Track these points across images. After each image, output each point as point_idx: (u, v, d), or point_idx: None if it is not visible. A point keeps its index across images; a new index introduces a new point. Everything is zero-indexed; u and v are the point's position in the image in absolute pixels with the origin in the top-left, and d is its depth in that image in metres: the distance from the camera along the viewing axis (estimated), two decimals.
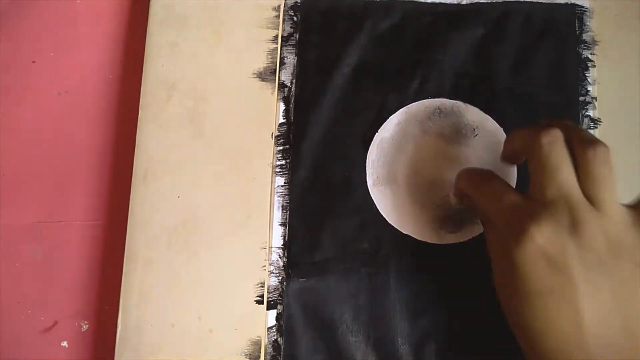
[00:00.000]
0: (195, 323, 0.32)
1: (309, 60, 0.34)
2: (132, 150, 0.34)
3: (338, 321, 0.31)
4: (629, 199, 0.33)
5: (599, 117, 0.33)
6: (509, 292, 0.25)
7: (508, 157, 0.29)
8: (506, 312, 0.26)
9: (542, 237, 0.23)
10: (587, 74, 0.34)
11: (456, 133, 0.33)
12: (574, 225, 0.23)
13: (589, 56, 0.34)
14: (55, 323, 0.34)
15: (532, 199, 0.25)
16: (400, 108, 0.33)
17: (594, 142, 0.25)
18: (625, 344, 0.23)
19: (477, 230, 0.32)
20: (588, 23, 0.34)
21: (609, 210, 0.24)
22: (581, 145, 0.25)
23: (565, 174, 0.24)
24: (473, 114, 0.33)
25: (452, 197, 0.32)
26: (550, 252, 0.23)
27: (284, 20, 0.35)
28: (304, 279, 0.32)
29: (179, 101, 0.34)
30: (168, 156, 0.33)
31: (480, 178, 0.28)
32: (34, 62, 0.37)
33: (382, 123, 0.33)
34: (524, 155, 0.27)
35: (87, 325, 0.34)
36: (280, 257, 0.32)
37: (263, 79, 0.34)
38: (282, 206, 0.33)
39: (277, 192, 0.33)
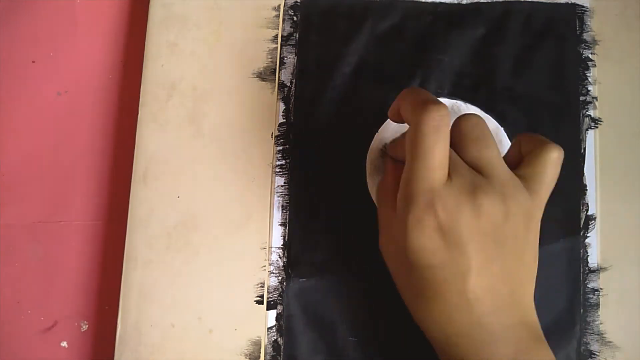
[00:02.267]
0: (195, 323, 0.32)
1: (309, 60, 0.34)
2: (132, 150, 0.34)
3: (338, 321, 0.31)
4: (629, 198, 0.33)
5: (599, 117, 0.33)
6: (400, 265, 0.25)
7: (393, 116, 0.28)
8: (401, 291, 0.26)
9: (441, 213, 0.23)
10: (587, 74, 0.34)
11: None
12: (472, 194, 0.23)
13: (590, 56, 0.34)
14: (55, 323, 0.34)
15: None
16: None
17: (464, 116, 0.25)
18: (512, 308, 0.24)
19: None
20: (588, 23, 0.34)
21: (497, 173, 0.24)
22: (457, 122, 0.25)
23: (440, 155, 0.23)
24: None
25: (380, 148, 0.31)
26: (446, 226, 0.23)
27: (283, 20, 0.35)
28: (304, 279, 0.32)
29: (179, 101, 0.34)
30: (168, 156, 0.33)
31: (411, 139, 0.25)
32: (33, 62, 0.37)
33: (382, 123, 0.33)
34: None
35: (87, 325, 0.34)
36: (280, 257, 0.32)
37: (263, 79, 0.34)
38: (282, 206, 0.33)
39: (277, 192, 0.33)
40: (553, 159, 0.25)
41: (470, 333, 0.23)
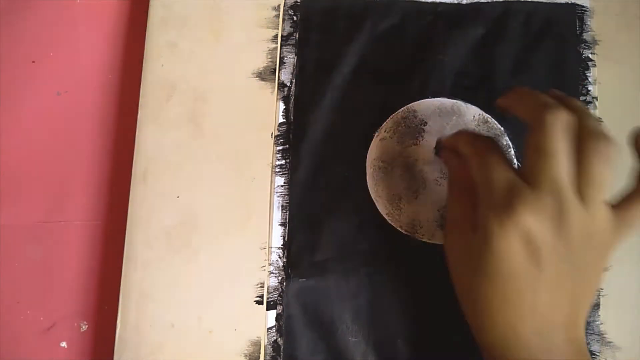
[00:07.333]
0: (195, 323, 0.32)
1: (309, 60, 0.34)
2: (132, 150, 0.34)
3: (338, 321, 0.31)
4: None
5: (599, 116, 0.33)
6: (469, 269, 0.25)
7: (501, 107, 0.27)
8: (460, 291, 0.26)
9: (528, 221, 0.22)
10: (587, 74, 0.34)
11: None
12: (559, 218, 0.23)
13: (590, 56, 0.34)
14: (55, 323, 0.34)
15: (524, 179, 0.24)
16: (401, 108, 0.33)
17: (600, 137, 0.23)
18: (569, 327, 0.24)
19: None
20: (588, 23, 0.34)
21: (596, 210, 0.23)
22: (587, 137, 0.23)
23: (561, 163, 0.23)
24: (473, 114, 0.33)
25: (432, 150, 0.32)
26: (531, 237, 0.22)
27: (283, 19, 0.35)
28: (303, 279, 0.32)
29: (179, 101, 0.34)
30: (168, 156, 0.33)
31: (481, 143, 0.26)
32: (33, 62, 0.37)
33: (382, 123, 0.33)
34: (520, 117, 0.25)
35: (87, 326, 0.34)
36: (280, 257, 0.32)
37: (263, 79, 0.34)
38: (282, 206, 0.33)
39: (277, 192, 0.33)
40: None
41: (529, 343, 0.23)
